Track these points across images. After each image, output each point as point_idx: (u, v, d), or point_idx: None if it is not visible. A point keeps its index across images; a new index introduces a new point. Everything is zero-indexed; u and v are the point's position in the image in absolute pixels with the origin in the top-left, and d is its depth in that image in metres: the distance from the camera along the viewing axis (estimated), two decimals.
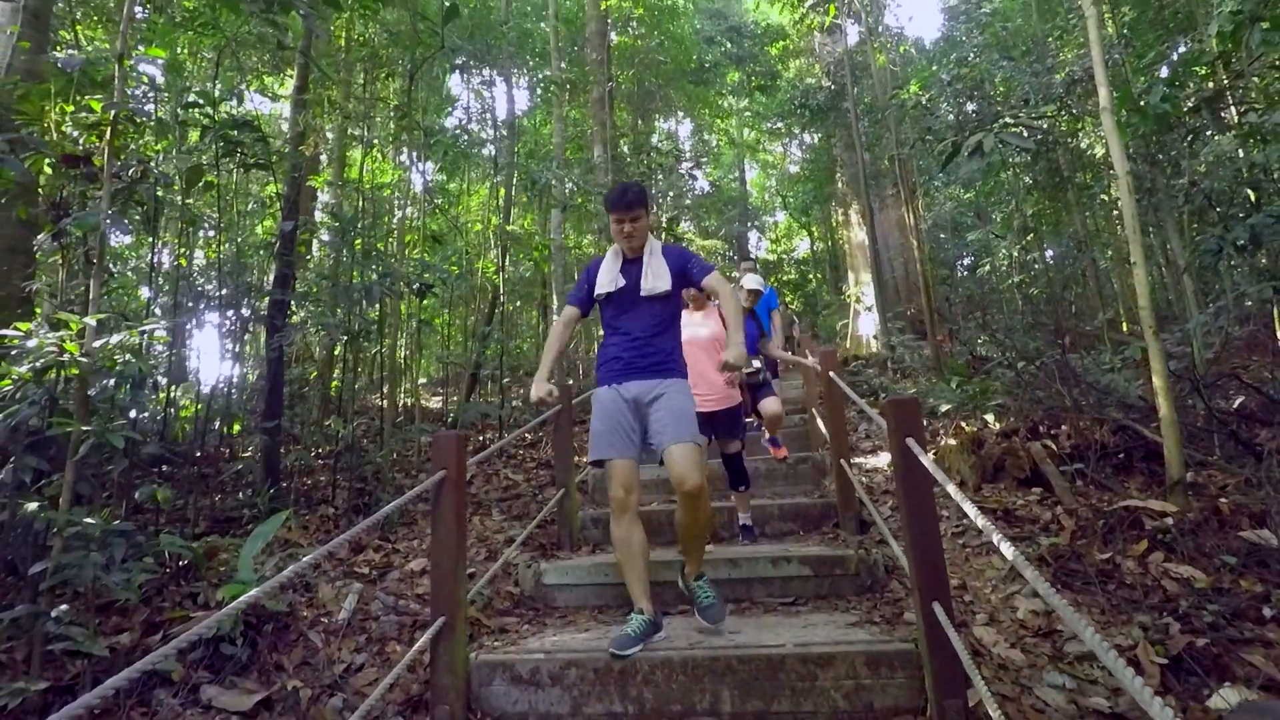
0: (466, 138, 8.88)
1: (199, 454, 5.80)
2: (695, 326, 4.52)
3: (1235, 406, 5.75)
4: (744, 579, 3.78)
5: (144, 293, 8.98)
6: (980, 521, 1.82)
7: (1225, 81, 7.10)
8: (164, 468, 5.45)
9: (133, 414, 4.21)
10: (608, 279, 3.19)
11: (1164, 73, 8.24)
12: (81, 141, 3.40)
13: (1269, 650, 2.76)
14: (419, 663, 3.12)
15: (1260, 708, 0.75)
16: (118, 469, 4.13)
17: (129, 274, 9.19)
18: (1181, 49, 8.42)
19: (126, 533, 2.91)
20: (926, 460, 2.41)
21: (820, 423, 6.09)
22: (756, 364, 5.24)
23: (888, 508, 4.71)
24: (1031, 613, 3.15)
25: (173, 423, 6.05)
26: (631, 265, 3.21)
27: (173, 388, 5.77)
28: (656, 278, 3.13)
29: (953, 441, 5.27)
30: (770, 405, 5.23)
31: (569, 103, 14.82)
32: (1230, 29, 5.35)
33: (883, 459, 5.99)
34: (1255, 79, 7.20)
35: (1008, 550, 1.65)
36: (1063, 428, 5.28)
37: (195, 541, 4.13)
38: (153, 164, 3.94)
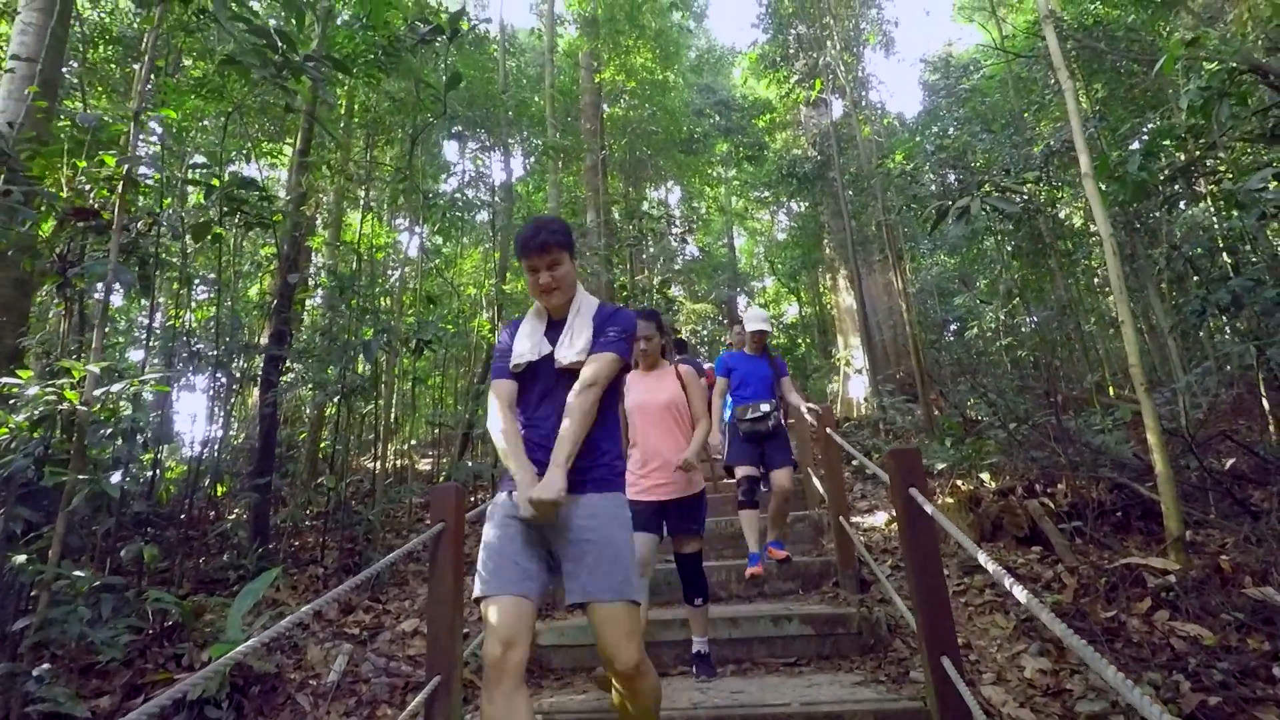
0: (463, 201, 9.06)
1: (184, 515, 5.69)
2: (647, 390, 3.54)
3: (1228, 466, 5.78)
4: (744, 639, 3.70)
5: (132, 355, 8.96)
6: (991, 566, 1.82)
7: (1197, 153, 7.40)
8: (148, 529, 5.34)
9: (116, 476, 4.16)
10: (527, 345, 2.28)
11: (1136, 145, 8.59)
12: (92, 195, 3.46)
13: None
14: None
15: None
16: (104, 526, 4.05)
17: (118, 337, 9.17)
18: (1153, 123, 8.80)
19: (115, 588, 2.83)
20: (931, 509, 2.41)
21: (816, 481, 6.06)
22: (765, 407, 4.61)
23: (887, 566, 4.66)
24: (1039, 672, 3.09)
25: (159, 483, 5.95)
26: (556, 329, 2.30)
27: (160, 448, 5.69)
28: (573, 347, 2.21)
29: (950, 500, 5.26)
30: (782, 478, 4.45)
31: (563, 170, 15.23)
32: (1200, 103, 5.62)
33: (879, 518, 5.95)
34: (1223, 153, 7.51)
35: (1020, 594, 1.64)
36: (1059, 486, 5.28)
37: (184, 605, 4.02)
38: (161, 219, 4.00)
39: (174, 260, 5.81)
